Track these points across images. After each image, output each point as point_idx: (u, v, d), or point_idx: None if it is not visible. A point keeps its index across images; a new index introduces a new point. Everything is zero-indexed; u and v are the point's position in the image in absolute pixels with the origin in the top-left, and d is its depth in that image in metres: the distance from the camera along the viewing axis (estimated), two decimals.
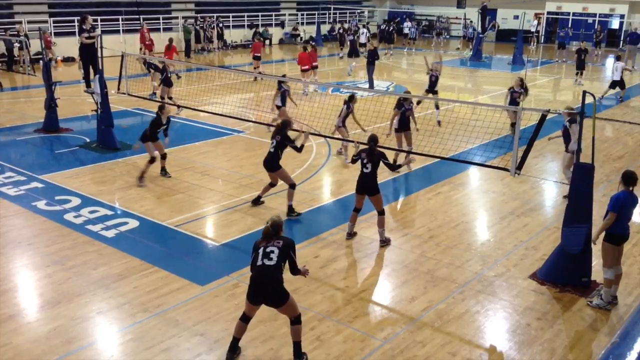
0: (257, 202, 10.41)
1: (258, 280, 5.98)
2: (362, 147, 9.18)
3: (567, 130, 10.95)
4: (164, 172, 11.79)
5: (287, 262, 6.04)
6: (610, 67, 20.70)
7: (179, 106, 16.77)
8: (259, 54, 24.14)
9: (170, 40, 21.90)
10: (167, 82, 17.09)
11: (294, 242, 6.17)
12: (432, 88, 16.49)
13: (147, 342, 6.59)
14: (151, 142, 11.32)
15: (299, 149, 9.98)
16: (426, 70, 16.86)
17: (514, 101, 14.40)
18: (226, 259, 8.78)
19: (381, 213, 9.00)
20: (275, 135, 9.96)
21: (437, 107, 16.18)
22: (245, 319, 6.28)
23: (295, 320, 6.15)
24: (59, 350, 6.42)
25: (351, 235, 9.31)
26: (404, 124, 12.48)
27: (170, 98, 16.98)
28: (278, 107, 14.94)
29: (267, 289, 5.97)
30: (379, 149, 8.98)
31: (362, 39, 31.07)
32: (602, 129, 16.68)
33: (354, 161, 9.32)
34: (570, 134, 10.84)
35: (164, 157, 11.64)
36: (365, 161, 8.85)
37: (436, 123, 15.29)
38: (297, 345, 6.21)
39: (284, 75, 16.29)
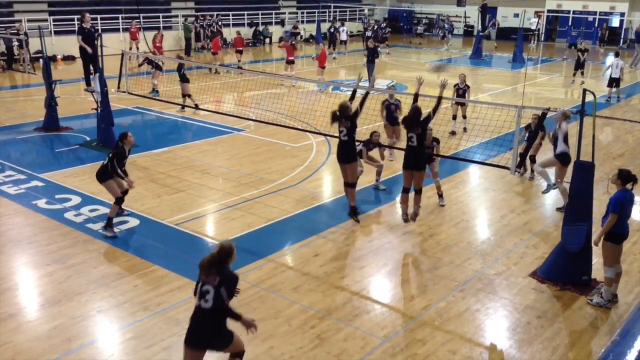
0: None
1: (195, 323, 5.22)
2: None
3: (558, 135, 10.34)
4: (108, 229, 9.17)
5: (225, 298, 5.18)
6: (608, 64, 20.56)
7: (183, 106, 16.76)
8: (240, 48, 25.20)
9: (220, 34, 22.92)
10: (184, 79, 17.08)
11: (236, 278, 5.25)
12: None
13: (147, 340, 6.60)
14: (112, 179, 9.11)
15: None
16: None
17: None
18: None
19: (420, 191, 9.17)
20: (345, 122, 9.57)
21: (464, 117, 15.36)
22: None
23: (238, 354, 5.51)
24: (60, 348, 6.42)
25: (408, 216, 9.38)
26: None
27: (188, 95, 16.95)
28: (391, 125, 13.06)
29: (206, 335, 5.19)
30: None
31: (343, 37, 31.40)
32: (601, 127, 16.66)
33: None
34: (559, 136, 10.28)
35: (125, 192, 9.36)
36: (409, 134, 8.89)
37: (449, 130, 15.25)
38: None
39: (391, 87, 14.73)
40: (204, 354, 5.32)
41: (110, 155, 9.16)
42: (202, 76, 23.19)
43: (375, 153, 11.54)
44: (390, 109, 12.89)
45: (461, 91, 15.38)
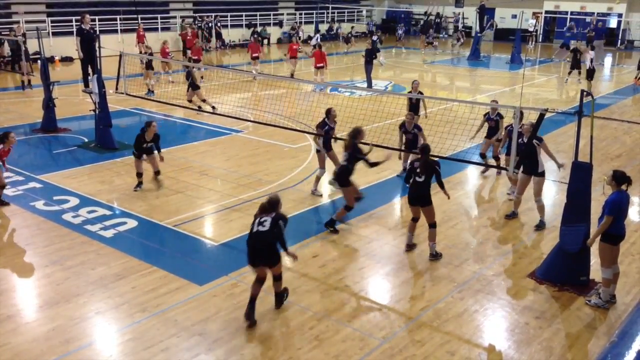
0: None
1: (253, 244, 6.81)
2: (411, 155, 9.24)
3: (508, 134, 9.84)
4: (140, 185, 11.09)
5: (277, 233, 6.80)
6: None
7: (213, 107, 16.65)
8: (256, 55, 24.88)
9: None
10: (194, 86, 17.14)
11: (287, 217, 7.00)
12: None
13: (145, 342, 6.59)
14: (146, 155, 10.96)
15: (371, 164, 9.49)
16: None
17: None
18: (225, 258, 8.78)
19: (432, 225, 8.66)
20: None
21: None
22: (259, 280, 7.00)
23: (278, 277, 7.11)
24: (58, 350, 6.41)
25: (410, 247, 8.92)
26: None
27: (203, 100, 16.94)
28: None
29: (261, 251, 6.81)
30: (432, 158, 8.69)
31: (313, 42, 31.00)
32: (600, 128, 16.67)
33: (407, 179, 8.85)
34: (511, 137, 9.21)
35: (157, 173, 11.06)
36: (418, 171, 8.55)
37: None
38: (278, 295, 7.25)
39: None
40: (266, 270, 6.96)
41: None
42: (209, 78, 23.14)
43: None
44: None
45: (414, 100, 14.10)
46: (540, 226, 9.86)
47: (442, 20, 40.60)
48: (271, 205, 6.96)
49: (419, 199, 8.62)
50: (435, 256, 8.69)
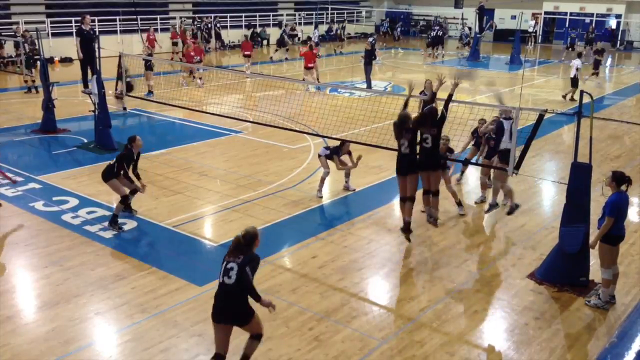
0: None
1: (219, 298, 5.64)
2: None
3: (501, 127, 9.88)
4: (129, 210, 9.92)
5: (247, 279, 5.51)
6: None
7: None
8: (248, 52, 25.36)
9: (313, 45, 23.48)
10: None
11: (259, 258, 5.65)
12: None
13: (145, 342, 6.59)
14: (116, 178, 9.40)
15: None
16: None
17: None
18: None
19: (435, 194, 8.88)
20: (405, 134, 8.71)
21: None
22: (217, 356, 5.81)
23: (256, 337, 5.86)
24: (57, 351, 6.41)
25: (433, 218, 9.08)
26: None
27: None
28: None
29: (228, 308, 5.60)
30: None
31: (314, 39, 31.02)
32: (600, 128, 16.68)
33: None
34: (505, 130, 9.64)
35: (133, 192, 9.65)
36: (424, 136, 8.54)
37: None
38: (246, 358, 5.93)
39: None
40: (231, 329, 5.75)
41: (118, 156, 9.57)
42: (208, 78, 23.13)
43: (345, 158, 11.24)
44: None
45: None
46: (510, 212, 9.96)
47: (444, 23, 40.64)
48: (244, 243, 5.57)
49: (429, 164, 8.75)
50: (432, 219, 9.08)
